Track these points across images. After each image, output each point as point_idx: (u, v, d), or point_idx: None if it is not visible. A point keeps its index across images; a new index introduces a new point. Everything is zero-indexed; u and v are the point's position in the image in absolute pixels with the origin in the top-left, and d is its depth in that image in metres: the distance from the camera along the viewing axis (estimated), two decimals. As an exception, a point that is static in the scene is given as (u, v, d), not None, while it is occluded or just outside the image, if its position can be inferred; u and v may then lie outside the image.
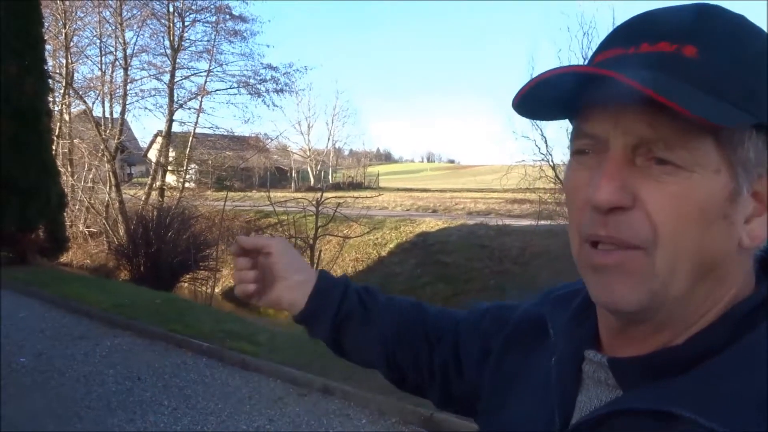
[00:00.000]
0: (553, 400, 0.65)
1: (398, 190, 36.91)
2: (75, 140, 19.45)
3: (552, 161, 12.18)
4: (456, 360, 0.88)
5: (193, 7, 19.71)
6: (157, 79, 20.27)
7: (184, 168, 20.86)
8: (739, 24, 0.56)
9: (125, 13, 19.13)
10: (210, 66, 20.34)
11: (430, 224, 16.74)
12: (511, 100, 0.58)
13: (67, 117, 18.89)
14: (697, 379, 0.53)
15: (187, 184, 21.22)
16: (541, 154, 12.21)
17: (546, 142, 11.98)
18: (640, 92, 0.49)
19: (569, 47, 12.40)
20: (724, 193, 0.53)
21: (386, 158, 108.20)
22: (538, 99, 0.57)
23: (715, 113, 0.50)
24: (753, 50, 0.55)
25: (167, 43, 19.64)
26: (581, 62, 11.94)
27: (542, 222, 13.65)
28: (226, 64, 20.79)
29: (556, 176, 12.04)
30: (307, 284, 0.95)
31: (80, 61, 19.79)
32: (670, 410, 0.52)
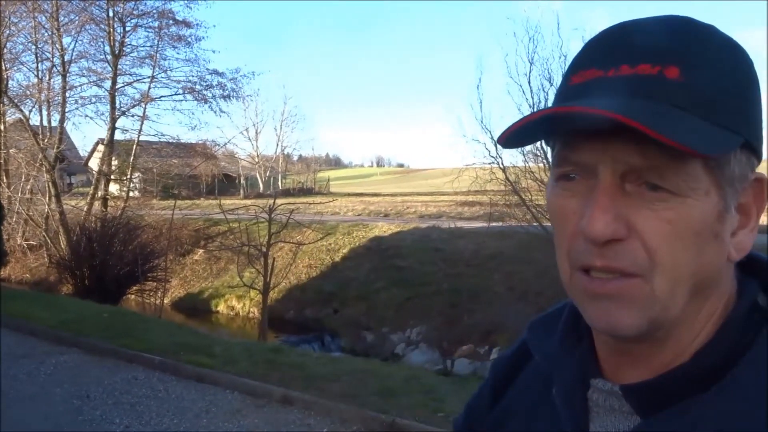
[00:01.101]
0: (564, 430, 0.62)
1: (349, 195, 36.90)
2: (11, 150, 18.68)
3: (502, 164, 12.35)
4: None
5: (134, 12, 19.13)
6: (98, 85, 19.59)
7: (128, 177, 20.28)
8: (716, 38, 0.55)
9: (62, 18, 18.44)
10: (153, 72, 19.77)
11: (383, 228, 16.77)
12: (497, 139, 0.58)
13: (2, 126, 18.13)
14: (714, 400, 0.53)
15: (131, 194, 20.64)
16: (491, 156, 12.36)
17: (496, 145, 12.13)
18: (626, 125, 0.48)
19: (516, 51, 12.52)
20: (714, 214, 0.53)
21: (336, 163, 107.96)
22: (522, 132, 0.55)
23: (703, 141, 0.50)
24: (733, 65, 0.54)
25: (108, 48, 19.00)
26: (528, 66, 12.25)
27: (494, 224, 13.84)
28: (171, 70, 20.23)
29: (507, 178, 12.22)
30: None
31: (15, 67, 19.00)
32: None
